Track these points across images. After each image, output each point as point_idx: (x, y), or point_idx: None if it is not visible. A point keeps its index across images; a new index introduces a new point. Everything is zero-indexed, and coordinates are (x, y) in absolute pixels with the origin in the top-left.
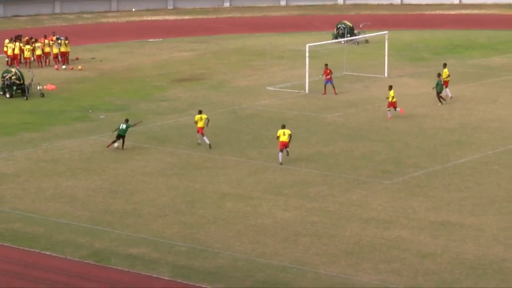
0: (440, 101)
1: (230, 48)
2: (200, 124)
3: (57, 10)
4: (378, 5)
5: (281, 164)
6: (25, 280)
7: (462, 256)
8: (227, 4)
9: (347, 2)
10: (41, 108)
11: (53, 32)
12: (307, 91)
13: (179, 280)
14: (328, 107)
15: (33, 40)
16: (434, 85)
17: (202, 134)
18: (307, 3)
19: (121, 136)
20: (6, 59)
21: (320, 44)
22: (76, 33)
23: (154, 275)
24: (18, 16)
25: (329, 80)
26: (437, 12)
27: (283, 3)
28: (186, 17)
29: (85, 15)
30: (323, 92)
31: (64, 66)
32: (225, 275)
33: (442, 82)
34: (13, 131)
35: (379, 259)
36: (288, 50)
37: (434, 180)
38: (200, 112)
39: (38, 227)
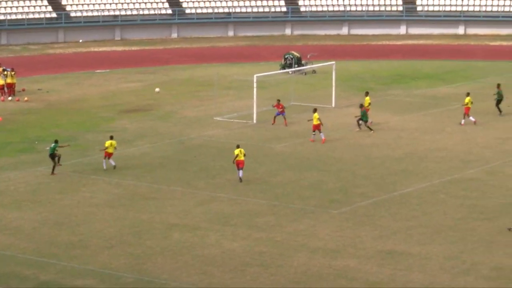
0: (363, 128)
1: (178, 78)
2: (110, 150)
3: (3, 41)
4: (325, 35)
5: (240, 181)
6: None
7: (409, 285)
8: (174, 35)
9: (295, 33)
10: None
11: None
12: (254, 121)
13: None
14: (276, 137)
15: None
16: (362, 114)
17: (109, 158)
18: (254, 34)
19: (51, 156)
20: None
21: (268, 75)
22: (23, 65)
23: None
24: None
25: (282, 113)
26: (384, 42)
27: (231, 33)
28: (134, 48)
29: (31, 46)
30: (272, 122)
31: (10, 98)
32: None
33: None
34: None
35: None
36: (236, 80)
37: (381, 209)
38: (111, 138)
39: None
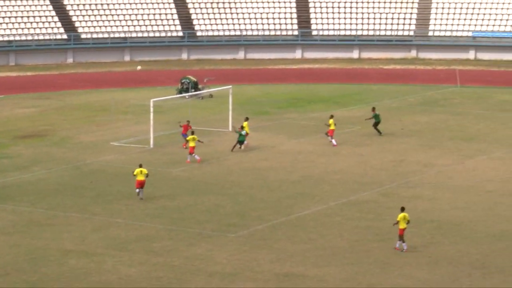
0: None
1: (73, 104)
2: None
3: None
4: (221, 60)
5: (141, 199)
6: None
7: None
8: (70, 60)
9: (191, 57)
10: None
11: None
12: (151, 146)
13: None
14: (173, 161)
15: None
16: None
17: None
18: (151, 58)
19: None
20: None
21: (165, 99)
22: None
23: None
24: None
25: (184, 134)
26: (280, 66)
27: (127, 58)
28: (29, 73)
29: None
30: (184, 146)
31: None
32: None
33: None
34: None
35: None
36: (132, 105)
37: (278, 232)
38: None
39: None
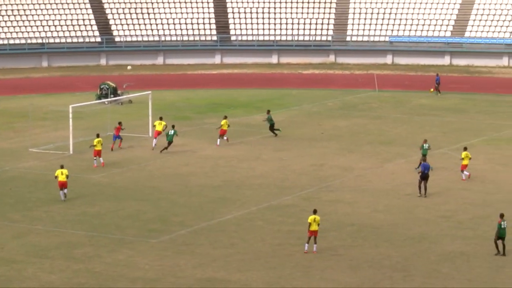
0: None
1: None
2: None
3: None
4: (141, 65)
5: (63, 200)
6: None
7: None
8: None
9: (110, 63)
10: None
11: None
12: (71, 152)
13: None
14: (93, 168)
15: None
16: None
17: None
18: (69, 64)
19: None
20: None
21: (84, 105)
22: None
23: None
24: None
25: (117, 136)
26: (200, 71)
27: (45, 64)
28: None
29: None
30: (113, 147)
31: None
32: None
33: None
34: None
35: None
36: (51, 111)
37: (200, 238)
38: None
39: None
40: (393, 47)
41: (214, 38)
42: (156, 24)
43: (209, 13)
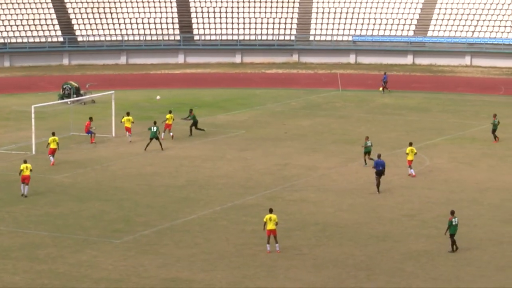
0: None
1: None
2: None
3: None
4: (103, 65)
5: (25, 196)
6: None
7: None
8: None
9: (72, 63)
10: None
11: None
12: (34, 152)
13: None
14: (56, 168)
15: None
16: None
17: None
18: (31, 64)
19: None
20: None
21: (46, 105)
22: None
23: None
24: None
25: (89, 132)
26: (163, 71)
27: (6, 64)
28: None
29: None
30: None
31: None
32: None
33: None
34: None
35: None
36: (13, 111)
37: (164, 238)
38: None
39: None
40: (356, 47)
41: (177, 37)
42: (119, 24)
43: (172, 12)
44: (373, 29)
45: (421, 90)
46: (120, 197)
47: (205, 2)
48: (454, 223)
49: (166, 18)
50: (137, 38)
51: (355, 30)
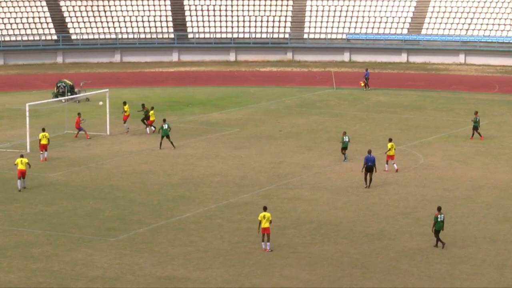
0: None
1: None
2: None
3: None
4: (98, 63)
5: (21, 189)
6: None
7: None
8: None
9: (66, 61)
10: None
11: None
12: (28, 150)
13: None
14: (51, 166)
15: None
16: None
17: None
18: (25, 62)
19: None
20: None
21: (41, 103)
22: None
23: None
24: None
25: (80, 128)
26: (157, 69)
27: (0, 62)
28: None
29: None
30: (75, 136)
31: None
32: None
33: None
34: None
35: None
36: (8, 109)
37: (159, 236)
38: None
39: None
40: (350, 45)
41: (171, 35)
42: (113, 22)
43: (166, 10)
44: (367, 27)
45: (415, 88)
46: (115, 195)
47: (199, 0)
48: (439, 219)
49: (160, 16)
50: (131, 36)
51: (349, 28)
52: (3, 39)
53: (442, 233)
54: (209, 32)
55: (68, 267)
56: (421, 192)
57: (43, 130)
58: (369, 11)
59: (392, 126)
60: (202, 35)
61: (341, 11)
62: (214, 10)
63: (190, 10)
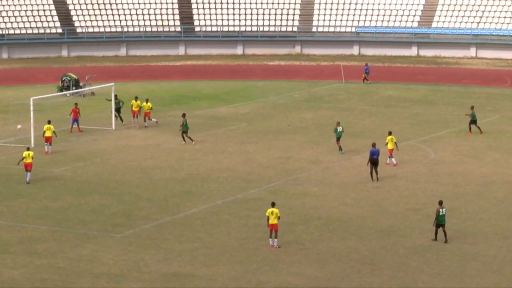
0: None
1: None
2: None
3: None
4: (103, 57)
5: (28, 183)
6: None
7: None
8: None
9: (71, 54)
10: None
11: None
12: (32, 145)
13: None
14: (55, 161)
15: None
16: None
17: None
18: (30, 56)
19: None
20: None
21: (45, 97)
22: None
23: None
24: None
25: (75, 119)
26: (163, 63)
27: (5, 56)
28: None
29: None
30: (70, 131)
31: None
32: None
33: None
34: None
35: None
36: (12, 104)
37: (165, 232)
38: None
39: None
40: (359, 38)
41: (178, 29)
42: (119, 15)
43: (172, 3)
44: (376, 20)
45: (425, 82)
46: (121, 190)
47: None
48: (441, 213)
49: (167, 9)
50: (137, 29)
51: (358, 21)
52: (7, 32)
53: (448, 228)
54: (216, 25)
55: (73, 263)
56: (431, 187)
57: (49, 122)
58: (378, 4)
59: (402, 120)
60: (209, 28)
61: (350, 3)
62: (221, 3)
63: (197, 2)
